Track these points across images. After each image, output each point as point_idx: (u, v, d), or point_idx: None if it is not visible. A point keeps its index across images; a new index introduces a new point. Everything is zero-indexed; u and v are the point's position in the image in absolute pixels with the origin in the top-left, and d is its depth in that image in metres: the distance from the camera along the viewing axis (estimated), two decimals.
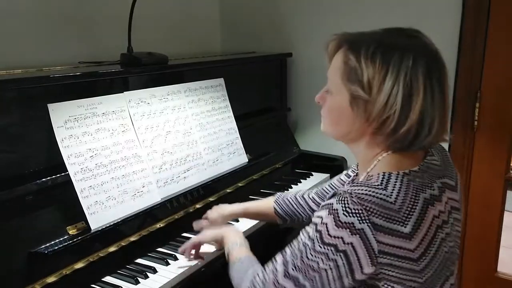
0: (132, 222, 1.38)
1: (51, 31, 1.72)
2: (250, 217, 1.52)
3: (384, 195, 0.86)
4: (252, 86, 2.11)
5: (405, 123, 0.88)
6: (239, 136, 1.88)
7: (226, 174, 1.75)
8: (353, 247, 0.86)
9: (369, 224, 0.84)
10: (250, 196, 1.82)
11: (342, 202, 0.86)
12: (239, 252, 1.17)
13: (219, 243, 1.30)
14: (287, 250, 0.96)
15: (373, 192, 0.86)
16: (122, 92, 1.48)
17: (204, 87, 1.79)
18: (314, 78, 2.16)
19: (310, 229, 0.92)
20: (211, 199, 1.66)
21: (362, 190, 0.87)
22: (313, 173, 2.10)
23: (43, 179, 1.23)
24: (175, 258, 1.37)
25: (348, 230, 0.85)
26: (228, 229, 1.30)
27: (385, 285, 0.89)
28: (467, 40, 1.86)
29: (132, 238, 1.37)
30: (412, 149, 0.93)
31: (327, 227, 0.87)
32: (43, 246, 1.18)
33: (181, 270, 1.30)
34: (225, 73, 1.89)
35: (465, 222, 2.02)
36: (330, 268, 0.88)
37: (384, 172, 0.90)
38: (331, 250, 0.87)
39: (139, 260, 1.37)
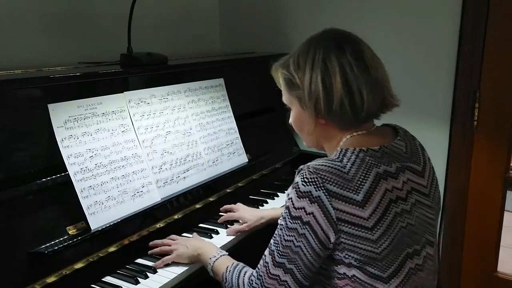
0: (132, 222, 1.38)
1: (51, 31, 1.72)
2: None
3: (339, 166, 0.97)
4: (252, 86, 2.11)
5: (333, 98, 1.00)
6: (239, 136, 1.88)
7: (226, 174, 1.75)
8: (314, 217, 0.95)
9: (324, 191, 0.94)
10: (250, 196, 1.83)
11: (301, 174, 0.97)
12: (221, 264, 1.19)
13: (197, 262, 1.31)
14: (271, 240, 1.03)
15: (329, 163, 0.97)
16: (122, 92, 1.48)
17: (204, 87, 1.79)
18: None
19: (283, 210, 1.01)
20: (211, 199, 1.66)
21: (319, 162, 0.98)
22: None
23: (43, 179, 1.23)
24: None
25: (307, 199, 0.95)
26: (202, 247, 1.31)
27: (347, 256, 0.96)
28: (466, 41, 1.86)
29: (132, 238, 1.37)
30: (361, 119, 1.03)
31: (292, 201, 0.98)
32: (43, 246, 1.18)
33: (181, 270, 1.30)
34: (225, 73, 1.89)
35: (465, 222, 2.02)
36: (304, 245, 0.97)
37: (341, 149, 1.01)
38: (299, 224, 0.96)
39: (139, 260, 1.37)
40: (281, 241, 1.00)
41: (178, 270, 1.31)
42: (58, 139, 1.27)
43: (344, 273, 0.98)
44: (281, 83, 1.13)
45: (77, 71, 1.44)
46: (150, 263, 1.34)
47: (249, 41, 2.44)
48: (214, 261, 1.22)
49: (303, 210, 0.96)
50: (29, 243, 1.17)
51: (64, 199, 1.27)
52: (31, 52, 1.66)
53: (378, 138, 1.06)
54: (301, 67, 1.04)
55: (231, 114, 1.87)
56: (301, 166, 0.99)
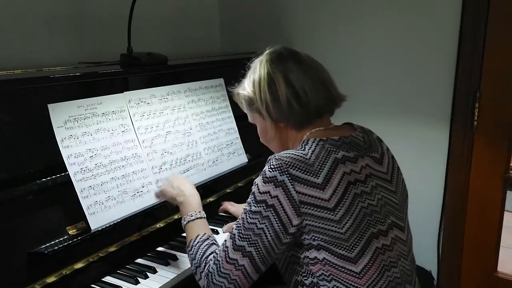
0: (132, 222, 1.38)
1: (51, 31, 1.72)
2: None
3: (301, 153, 1.05)
4: None
5: (280, 100, 1.12)
6: (239, 136, 1.88)
7: (226, 174, 1.75)
8: (278, 200, 1.01)
9: (288, 176, 1.01)
10: None
11: (269, 163, 1.05)
12: (193, 228, 1.23)
13: (176, 205, 1.36)
14: (234, 226, 1.08)
15: (293, 152, 1.06)
16: (122, 92, 1.48)
17: (204, 87, 1.79)
18: None
19: (249, 196, 1.08)
20: (211, 199, 1.66)
21: (284, 153, 1.06)
22: None
23: (43, 179, 1.23)
24: (175, 258, 1.37)
25: (272, 183, 1.02)
26: (185, 195, 1.33)
27: (314, 238, 1.02)
28: (466, 41, 1.86)
29: (132, 238, 1.37)
30: (312, 114, 1.14)
31: (258, 186, 1.04)
32: (43, 246, 1.18)
33: (181, 270, 1.31)
34: (225, 73, 1.89)
35: (465, 222, 2.02)
36: (267, 227, 1.02)
37: (304, 140, 1.11)
38: (263, 207, 1.02)
39: (139, 260, 1.37)
40: (244, 223, 1.05)
41: (178, 270, 1.31)
42: (58, 139, 1.27)
43: (316, 257, 1.03)
44: (243, 104, 1.25)
45: (77, 71, 1.44)
46: (150, 263, 1.34)
47: (249, 41, 2.43)
48: (189, 220, 1.25)
49: (268, 194, 1.02)
50: (29, 243, 1.17)
51: (64, 199, 1.27)
52: (31, 52, 1.66)
53: (337, 132, 1.15)
54: (252, 83, 1.18)
55: (231, 114, 1.88)
56: (270, 157, 1.07)
